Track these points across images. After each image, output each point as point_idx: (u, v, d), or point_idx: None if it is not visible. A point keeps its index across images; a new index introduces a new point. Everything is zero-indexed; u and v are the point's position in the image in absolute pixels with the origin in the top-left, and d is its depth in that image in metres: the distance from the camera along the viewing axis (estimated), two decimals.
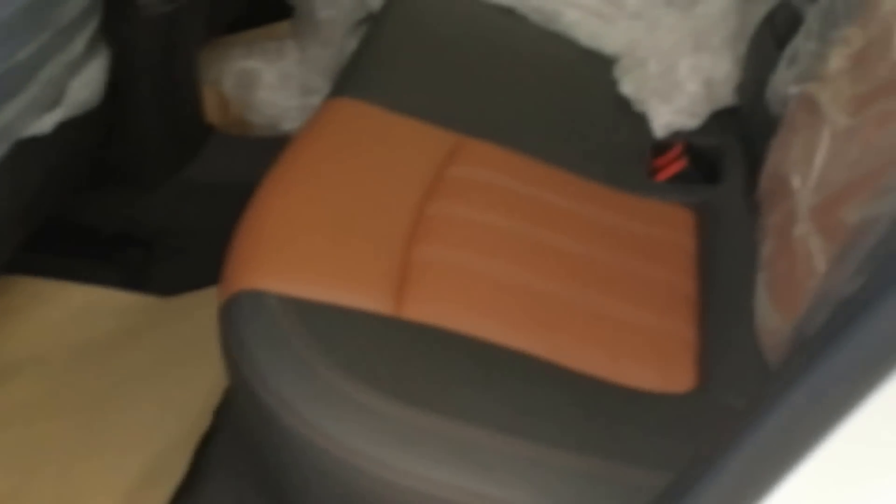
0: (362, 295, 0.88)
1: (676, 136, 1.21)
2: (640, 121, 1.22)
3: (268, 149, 1.50)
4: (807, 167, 0.91)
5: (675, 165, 1.16)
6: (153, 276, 1.40)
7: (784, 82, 1.04)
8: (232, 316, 0.85)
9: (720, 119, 1.22)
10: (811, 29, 1.02)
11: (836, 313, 0.54)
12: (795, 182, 0.92)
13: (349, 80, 1.19)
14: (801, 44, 1.03)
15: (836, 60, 0.94)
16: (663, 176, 1.16)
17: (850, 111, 0.88)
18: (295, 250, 0.91)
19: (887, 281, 0.50)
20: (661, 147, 1.20)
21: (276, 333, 0.83)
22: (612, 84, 1.27)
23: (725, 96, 1.21)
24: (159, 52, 1.27)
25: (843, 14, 0.97)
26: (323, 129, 1.09)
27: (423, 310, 0.88)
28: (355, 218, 0.96)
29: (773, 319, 0.85)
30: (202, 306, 1.36)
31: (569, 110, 1.23)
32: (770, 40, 1.13)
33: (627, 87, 1.24)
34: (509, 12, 1.37)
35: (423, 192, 1.01)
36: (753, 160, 1.10)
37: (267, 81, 1.50)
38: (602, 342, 0.90)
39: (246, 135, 1.53)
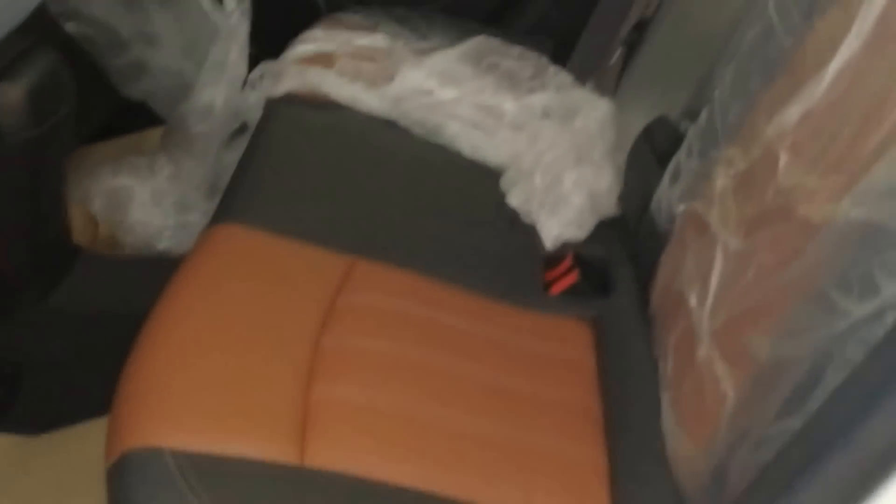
0: (263, 444, 0.83)
1: (565, 247, 1.22)
2: (529, 232, 1.23)
3: (141, 270, 1.45)
4: (703, 287, 0.92)
5: (567, 278, 1.16)
6: (18, 415, 1.29)
7: (669, 198, 1.07)
8: (123, 478, 0.78)
9: (606, 229, 1.23)
10: (692, 147, 1.05)
11: (773, 467, 0.54)
12: (692, 301, 0.94)
13: (232, 205, 1.15)
14: (683, 161, 1.06)
15: (721, 180, 0.97)
16: (557, 289, 1.16)
17: (741, 234, 0.90)
18: (188, 400, 0.85)
19: (831, 434, 0.50)
20: (552, 258, 1.21)
21: (174, 495, 0.77)
22: (500, 196, 1.27)
23: (609, 207, 1.24)
24: (25, 176, 1.20)
25: (723, 134, 1.01)
26: (208, 261, 1.04)
27: (328, 456, 0.84)
28: (250, 359, 0.91)
29: (684, 446, 0.85)
30: (74, 444, 1.28)
31: (459, 224, 1.23)
32: (649, 153, 1.17)
33: (515, 200, 1.25)
34: (392, 125, 1.37)
35: (319, 323, 0.98)
36: (644, 272, 1.12)
37: (139, 199, 1.43)
38: (516, 477, 0.88)
39: (117, 256, 1.45)
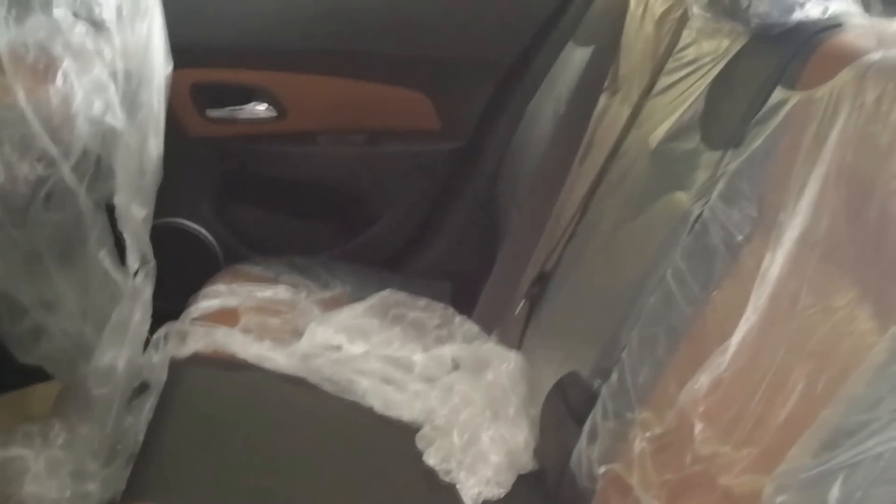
0: None
1: None
2: (448, 492, 1.21)
3: None
4: None
5: None
6: None
7: (589, 458, 1.08)
8: None
9: (524, 485, 1.23)
10: (606, 407, 1.08)
11: None
12: None
13: (142, 482, 1.11)
14: (600, 421, 1.08)
15: (638, 443, 0.99)
16: None
17: (663, 498, 0.92)
18: None
19: None
20: None
21: None
22: (415, 454, 1.26)
23: (527, 463, 1.24)
24: None
25: (635, 396, 1.04)
26: None
27: None
28: None
29: None
30: None
31: (377, 490, 1.20)
32: (564, 410, 1.19)
33: (432, 459, 1.24)
34: (301, 383, 1.36)
35: None
36: None
37: (33, 471, 1.35)
38: None
39: None
